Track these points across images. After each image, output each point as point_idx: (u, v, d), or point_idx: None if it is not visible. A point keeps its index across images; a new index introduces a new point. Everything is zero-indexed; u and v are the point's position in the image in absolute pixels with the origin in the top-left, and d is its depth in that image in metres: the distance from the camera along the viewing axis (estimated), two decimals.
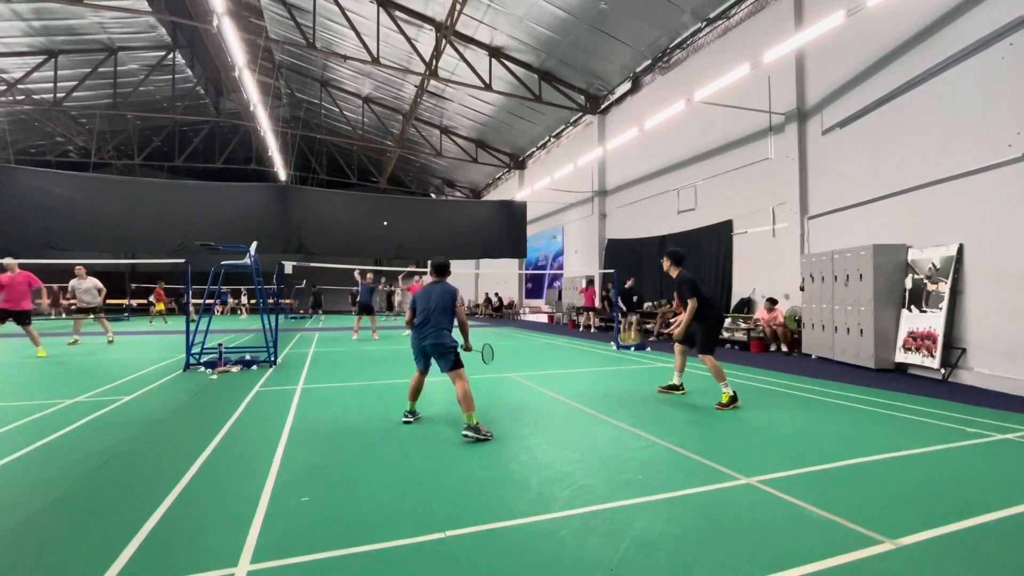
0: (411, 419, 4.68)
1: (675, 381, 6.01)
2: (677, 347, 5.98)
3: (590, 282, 17.33)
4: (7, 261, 9.16)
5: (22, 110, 21.10)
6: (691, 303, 5.41)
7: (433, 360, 4.59)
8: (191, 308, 9.53)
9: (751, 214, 11.34)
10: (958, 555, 2.32)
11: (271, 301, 10.70)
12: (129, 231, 14.08)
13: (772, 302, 10.29)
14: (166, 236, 14.19)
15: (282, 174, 22.62)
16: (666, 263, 5.88)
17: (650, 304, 14.18)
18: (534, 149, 22.47)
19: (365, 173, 28.68)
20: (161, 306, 21.44)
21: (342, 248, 16.55)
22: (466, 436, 4.09)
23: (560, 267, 20.91)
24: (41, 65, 17.75)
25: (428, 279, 4.89)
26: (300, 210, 15.61)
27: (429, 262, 4.87)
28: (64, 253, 13.37)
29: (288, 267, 10.36)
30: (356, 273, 13.04)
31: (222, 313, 25.27)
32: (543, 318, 21.68)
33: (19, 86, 18.53)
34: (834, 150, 9.37)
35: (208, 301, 8.72)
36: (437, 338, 4.47)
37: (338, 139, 25.54)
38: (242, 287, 25.28)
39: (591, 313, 16.67)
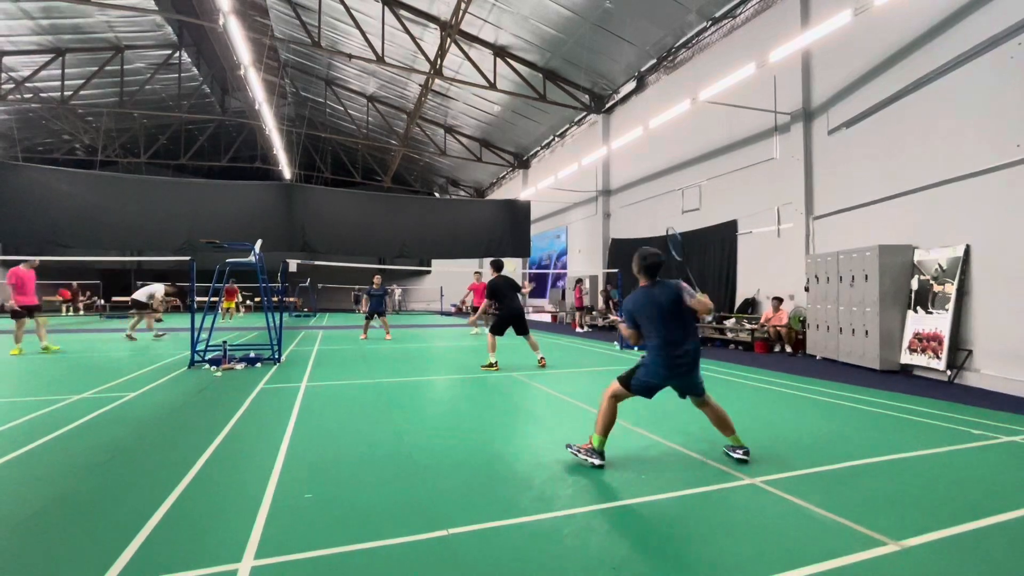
0: (603, 461, 3.41)
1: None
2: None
3: (578, 281, 17.34)
4: (35, 260, 9.53)
5: (30, 108, 21.26)
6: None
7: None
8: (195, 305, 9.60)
9: (756, 214, 11.30)
10: (963, 557, 2.31)
11: (275, 299, 10.74)
12: (135, 229, 14.13)
13: (778, 301, 10.24)
14: (171, 234, 14.24)
15: (287, 172, 22.68)
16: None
17: None
18: (538, 148, 22.46)
19: (369, 172, 28.72)
20: (232, 303, 21.65)
21: (346, 247, 16.57)
22: (744, 458, 3.49)
23: (564, 266, 20.89)
24: (49, 63, 17.86)
25: (644, 282, 3.61)
26: (304, 209, 15.63)
27: (640, 258, 3.55)
28: (70, 250, 13.45)
29: (292, 265, 10.41)
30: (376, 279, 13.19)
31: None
32: (547, 317, 21.68)
33: (27, 84, 18.64)
34: (840, 150, 9.32)
35: (213, 299, 8.77)
36: (695, 356, 3.42)
37: (343, 138, 25.59)
38: (237, 285, 25.33)
39: (580, 313, 16.62)
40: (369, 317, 13.17)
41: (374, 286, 12.96)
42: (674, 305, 3.41)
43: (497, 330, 7.72)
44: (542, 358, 7.99)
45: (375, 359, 9.11)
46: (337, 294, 32.99)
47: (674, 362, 3.37)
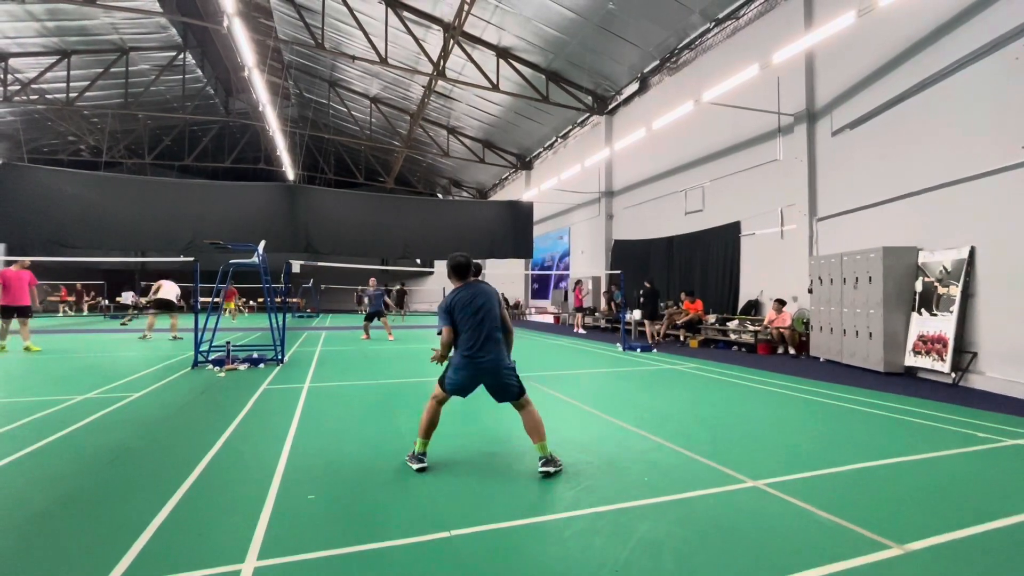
0: (424, 464, 3.39)
1: None
2: None
3: (578, 282, 17.34)
4: (26, 260, 9.60)
5: (36, 109, 21.38)
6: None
7: (481, 389, 3.52)
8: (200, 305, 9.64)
9: (759, 216, 11.28)
10: (967, 561, 2.30)
11: (278, 300, 10.77)
12: (139, 229, 14.17)
13: (780, 303, 10.21)
14: (175, 235, 14.28)
15: (290, 173, 22.76)
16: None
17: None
18: (541, 150, 22.45)
19: (372, 173, 28.78)
20: (231, 304, 21.78)
21: (349, 247, 16.60)
22: (546, 472, 3.26)
23: (566, 268, 20.89)
24: (54, 65, 17.98)
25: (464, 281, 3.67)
26: (308, 209, 15.65)
27: (448, 260, 3.70)
28: (74, 251, 13.51)
29: (295, 266, 10.44)
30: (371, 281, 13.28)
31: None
32: (549, 319, 21.67)
33: (33, 85, 18.76)
34: (844, 151, 9.30)
35: (216, 300, 8.81)
36: (499, 358, 3.42)
37: (346, 139, 25.65)
38: (235, 287, 25.33)
39: (580, 314, 16.57)
40: (368, 319, 13.20)
41: (370, 288, 12.99)
42: (493, 304, 3.50)
43: None
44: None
45: (378, 360, 9.12)
46: (340, 295, 33.03)
47: (477, 363, 3.39)
